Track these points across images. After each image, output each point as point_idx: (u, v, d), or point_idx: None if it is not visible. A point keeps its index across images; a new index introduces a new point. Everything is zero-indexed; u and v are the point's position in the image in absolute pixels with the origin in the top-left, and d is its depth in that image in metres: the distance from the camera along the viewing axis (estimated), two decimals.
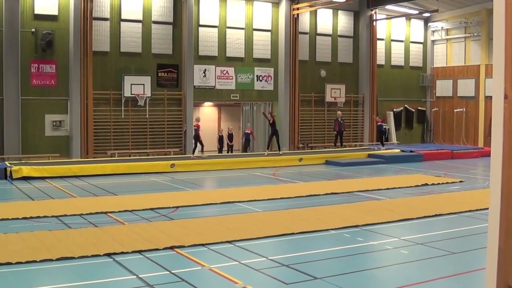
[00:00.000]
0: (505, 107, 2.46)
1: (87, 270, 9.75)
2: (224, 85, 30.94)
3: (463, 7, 35.61)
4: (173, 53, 29.38)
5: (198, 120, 27.65)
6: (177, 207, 15.69)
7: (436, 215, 14.64)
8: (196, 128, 26.98)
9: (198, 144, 26.98)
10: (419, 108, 38.00)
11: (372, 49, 34.82)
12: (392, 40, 36.91)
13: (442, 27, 37.51)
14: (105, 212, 14.79)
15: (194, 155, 26.82)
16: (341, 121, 31.25)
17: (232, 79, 31.14)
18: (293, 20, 32.05)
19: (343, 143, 31.58)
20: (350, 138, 34.17)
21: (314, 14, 33.54)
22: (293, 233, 12.41)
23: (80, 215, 14.44)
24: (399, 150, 30.99)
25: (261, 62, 32.00)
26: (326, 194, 18.22)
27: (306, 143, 32.91)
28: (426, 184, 20.57)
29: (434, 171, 24.96)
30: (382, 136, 32.28)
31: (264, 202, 16.68)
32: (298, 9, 32.04)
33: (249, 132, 29.93)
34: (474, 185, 21.00)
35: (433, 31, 38.10)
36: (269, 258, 10.53)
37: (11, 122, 25.49)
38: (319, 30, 33.85)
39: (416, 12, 35.82)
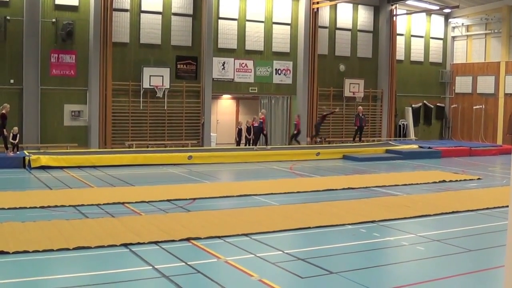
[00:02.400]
0: None
1: (104, 260, 9.81)
2: (242, 78, 30.93)
3: (484, 3, 35.34)
4: (193, 45, 29.39)
5: (264, 113, 28.46)
6: (194, 199, 15.73)
7: (453, 212, 14.56)
8: (261, 121, 27.78)
9: (262, 137, 28.26)
10: (438, 104, 37.79)
11: (391, 44, 34.66)
12: (412, 36, 36.70)
13: (462, 23, 37.26)
14: (122, 203, 14.85)
15: (257, 146, 27.92)
16: (362, 116, 31.17)
17: (250, 72, 31.13)
18: (313, 14, 31.95)
19: (362, 138, 31.53)
20: (368, 133, 34.05)
21: (334, 8, 33.42)
22: (309, 227, 12.40)
23: (97, 205, 14.52)
24: (417, 146, 30.85)
25: (280, 55, 31.95)
26: (343, 189, 18.19)
27: (324, 137, 32.84)
28: (444, 181, 20.44)
29: (452, 167, 24.82)
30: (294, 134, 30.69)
31: (281, 196, 16.67)
32: (318, 3, 31.93)
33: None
34: (492, 182, 20.84)
35: (454, 27, 37.85)
36: (285, 251, 10.53)
37: (30, 112, 25.66)
38: (338, 25, 33.72)
39: (437, 7, 35.60)
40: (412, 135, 36.01)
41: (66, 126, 26.85)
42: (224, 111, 33.60)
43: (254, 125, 28.89)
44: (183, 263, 9.62)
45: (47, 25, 26.12)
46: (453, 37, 38.05)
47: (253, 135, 28.66)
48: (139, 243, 10.67)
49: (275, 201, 15.72)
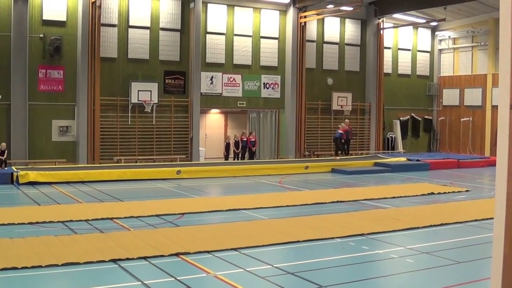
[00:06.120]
0: (511, 116, 2.46)
1: (92, 276, 9.75)
2: (231, 92, 30.97)
3: (471, 16, 35.58)
4: (181, 60, 29.44)
5: (344, 125, 30.34)
6: (183, 213, 15.69)
7: (442, 224, 14.59)
8: (342, 132, 29.90)
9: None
10: (425, 117, 37.97)
11: (379, 58, 34.82)
12: (399, 49, 36.91)
13: (449, 36, 37.50)
14: (111, 218, 14.81)
15: (339, 157, 29.69)
16: (349, 130, 31.24)
17: (239, 86, 31.18)
18: (301, 28, 32.08)
19: (349, 152, 31.58)
20: (356, 146, 34.13)
21: (321, 22, 33.57)
22: (298, 241, 12.39)
23: (86, 220, 14.46)
24: (405, 159, 30.93)
25: (268, 69, 32.03)
26: (332, 202, 18.19)
27: (312, 151, 32.88)
28: (432, 193, 20.51)
29: (440, 180, 24.90)
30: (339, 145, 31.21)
31: (270, 210, 16.66)
32: (305, 17, 32.07)
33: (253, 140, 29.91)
34: (481, 194, 20.93)
35: (440, 40, 38.10)
36: (274, 265, 10.51)
37: (18, 127, 25.57)
38: (326, 38, 33.87)
39: (423, 21, 35.83)
40: (400, 148, 36.12)
41: (54, 142, 26.78)
42: (213, 125, 33.60)
43: (243, 139, 29.00)
44: (173, 278, 9.59)
45: (34, 40, 26.10)
46: (440, 50, 38.29)
47: (241, 149, 28.93)
48: (128, 259, 10.62)
49: (264, 215, 15.72)
